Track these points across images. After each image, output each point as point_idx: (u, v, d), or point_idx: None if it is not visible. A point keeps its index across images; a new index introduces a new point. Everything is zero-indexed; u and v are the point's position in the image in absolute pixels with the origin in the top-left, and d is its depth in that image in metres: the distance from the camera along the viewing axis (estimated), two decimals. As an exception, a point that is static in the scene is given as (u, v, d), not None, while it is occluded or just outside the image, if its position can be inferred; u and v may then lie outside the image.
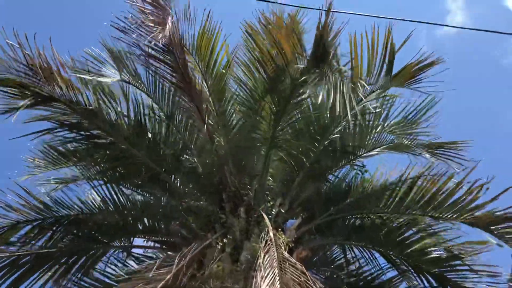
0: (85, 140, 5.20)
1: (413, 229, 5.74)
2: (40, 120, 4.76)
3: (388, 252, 5.83)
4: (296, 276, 3.90)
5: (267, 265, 3.97)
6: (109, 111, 5.04)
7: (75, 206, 5.79)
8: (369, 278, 6.21)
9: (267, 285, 3.75)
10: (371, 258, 6.14)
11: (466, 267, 5.35)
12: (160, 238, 5.88)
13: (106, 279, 5.97)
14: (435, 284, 5.66)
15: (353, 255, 6.26)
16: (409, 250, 5.69)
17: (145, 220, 6.08)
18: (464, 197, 4.98)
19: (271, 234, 4.45)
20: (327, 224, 5.89)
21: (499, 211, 4.83)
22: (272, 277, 3.85)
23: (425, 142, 5.73)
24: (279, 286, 3.73)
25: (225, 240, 4.86)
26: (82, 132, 5.11)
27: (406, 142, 5.85)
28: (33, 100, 4.44)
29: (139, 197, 6.19)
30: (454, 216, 5.07)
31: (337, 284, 6.37)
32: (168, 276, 4.30)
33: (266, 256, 4.08)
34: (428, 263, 5.61)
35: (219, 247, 4.72)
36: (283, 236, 4.71)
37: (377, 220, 5.81)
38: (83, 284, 5.89)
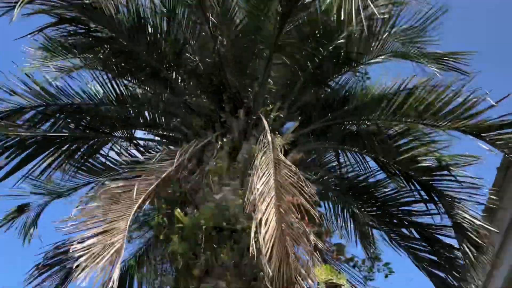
0: (85, 35, 5.12)
1: (407, 137, 5.90)
2: (39, 13, 4.66)
3: (380, 159, 6.04)
4: (289, 177, 4.13)
5: (263, 166, 4.17)
6: (108, 4, 4.89)
7: (78, 96, 5.88)
8: (358, 179, 6.56)
9: (262, 183, 3.98)
10: (362, 161, 6.43)
11: (452, 178, 5.61)
12: (161, 132, 6.05)
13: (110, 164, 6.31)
14: (420, 189, 5.99)
15: (345, 159, 6.53)
16: (401, 158, 5.88)
17: (146, 113, 6.21)
18: (460, 106, 5.05)
19: (268, 137, 4.61)
20: (323, 129, 6.04)
21: (492, 119, 4.95)
22: (268, 177, 4.07)
23: (429, 51, 5.65)
24: (273, 185, 3.97)
25: (224, 140, 5.02)
26: (81, 26, 5.02)
27: (411, 50, 5.77)
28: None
29: (139, 91, 6.24)
30: (449, 124, 5.11)
31: (328, 184, 6.72)
32: (170, 169, 4.54)
33: (263, 157, 4.27)
34: (417, 170, 5.85)
35: (218, 145, 4.88)
36: (279, 139, 4.85)
37: (373, 127, 5.92)
38: (88, 167, 6.23)
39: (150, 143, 6.20)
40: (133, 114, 6.18)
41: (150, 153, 6.31)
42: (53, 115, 5.79)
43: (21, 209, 5.97)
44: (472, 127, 4.88)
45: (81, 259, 3.02)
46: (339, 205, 6.58)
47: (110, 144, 6.09)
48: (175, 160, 4.61)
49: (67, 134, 5.72)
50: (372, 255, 5.53)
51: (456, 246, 5.55)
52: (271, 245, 3.49)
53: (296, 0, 4.86)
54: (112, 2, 4.90)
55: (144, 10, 5.22)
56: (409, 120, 5.42)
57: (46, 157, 5.69)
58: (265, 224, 3.60)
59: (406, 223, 6.03)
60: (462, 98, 4.93)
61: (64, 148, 5.76)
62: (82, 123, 5.99)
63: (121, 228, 3.55)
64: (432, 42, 5.87)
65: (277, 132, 5.19)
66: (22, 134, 5.37)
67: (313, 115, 6.07)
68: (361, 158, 6.36)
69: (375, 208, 6.32)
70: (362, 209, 6.31)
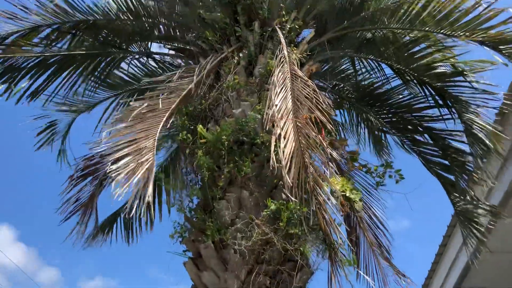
0: None
1: (423, 44, 5.86)
2: None
3: (396, 66, 6.06)
4: (306, 91, 4.26)
5: (281, 82, 4.28)
6: None
7: (92, 11, 5.86)
8: (373, 86, 6.65)
9: (280, 99, 4.13)
10: (378, 69, 6.47)
11: (467, 84, 5.65)
12: (176, 45, 6.09)
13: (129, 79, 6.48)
14: (435, 94, 6.07)
15: (361, 66, 6.57)
16: (416, 64, 5.91)
17: (160, 27, 6.21)
18: (478, 17, 4.98)
19: (285, 51, 4.65)
20: (339, 37, 6.02)
21: (510, 32, 4.91)
22: (285, 93, 4.20)
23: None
24: (290, 101, 4.12)
25: (240, 54, 5.07)
26: None
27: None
28: None
29: (151, 3, 6.16)
30: (467, 34, 5.11)
31: (343, 92, 6.84)
32: (190, 86, 4.69)
33: (280, 73, 4.36)
34: (432, 76, 5.88)
35: (235, 60, 4.95)
36: (295, 52, 4.89)
37: (389, 34, 5.87)
38: (108, 82, 6.41)
39: (167, 57, 6.27)
40: (148, 27, 6.19)
41: (168, 67, 6.47)
42: (68, 32, 5.83)
43: (50, 127, 6.27)
44: (489, 39, 4.85)
45: (118, 177, 3.30)
46: (354, 113, 6.75)
47: (128, 60, 6.17)
48: (194, 77, 4.74)
49: (85, 52, 5.80)
50: (384, 162, 5.77)
51: (467, 151, 5.75)
52: (290, 157, 3.73)
53: None
54: None
55: None
56: (427, 28, 5.37)
57: (68, 76, 5.84)
58: (284, 138, 3.81)
59: (420, 128, 6.20)
60: (481, 9, 4.81)
61: (84, 66, 5.87)
62: (99, 38, 6.04)
63: (150, 147, 3.79)
64: None
65: (292, 45, 5.22)
66: (44, 54, 5.47)
67: (329, 23, 6.02)
68: (376, 65, 6.40)
69: (389, 115, 6.48)
70: (377, 116, 6.48)
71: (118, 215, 6.87)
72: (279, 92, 4.15)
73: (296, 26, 5.27)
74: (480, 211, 5.50)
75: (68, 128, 6.49)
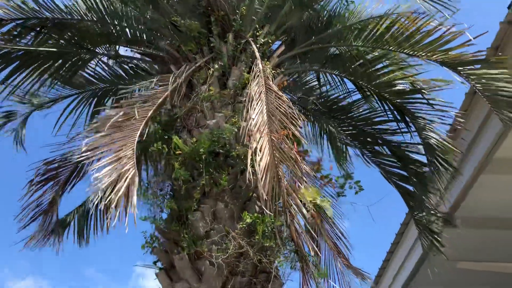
0: None
1: (385, 62, 6.17)
2: None
3: (359, 81, 6.34)
4: (280, 106, 4.40)
5: (257, 96, 4.39)
6: None
7: (59, 10, 5.69)
8: (336, 100, 6.92)
9: (256, 114, 4.24)
10: (341, 83, 6.74)
11: (424, 100, 6.01)
12: (147, 51, 6.05)
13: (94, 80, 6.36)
14: (393, 110, 6.41)
15: (326, 79, 6.82)
16: (378, 81, 6.21)
17: (130, 31, 6.13)
18: (439, 39, 5.31)
19: (260, 65, 4.77)
20: (306, 52, 6.20)
21: (468, 54, 5.27)
22: (261, 107, 4.31)
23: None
24: (266, 115, 4.24)
25: (215, 65, 5.13)
26: None
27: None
28: None
29: (119, 6, 6.07)
30: (428, 54, 5.41)
31: (307, 103, 7.04)
32: (165, 94, 4.70)
33: (256, 87, 4.47)
34: (392, 93, 6.19)
35: (210, 71, 5.00)
36: (269, 66, 5.02)
37: (354, 52, 6.14)
38: (71, 82, 6.26)
39: (135, 61, 6.21)
40: (115, 31, 6.09)
41: (136, 70, 6.41)
42: (33, 29, 5.64)
43: (8, 116, 6.06)
44: (449, 60, 5.17)
45: (103, 186, 3.28)
46: (317, 124, 6.97)
47: (95, 61, 6.07)
48: (169, 85, 4.75)
49: (50, 50, 5.64)
50: (345, 174, 6.02)
51: (424, 162, 6.11)
52: (265, 170, 3.85)
53: None
54: None
55: None
56: (390, 48, 5.66)
57: (31, 72, 5.66)
58: (260, 151, 3.93)
59: (379, 141, 6.52)
60: (442, 32, 5.14)
61: (48, 64, 5.71)
62: (65, 37, 5.87)
63: (129, 156, 3.79)
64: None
65: (265, 58, 5.35)
66: (5, 47, 5.28)
67: (297, 38, 6.19)
68: (340, 79, 6.65)
69: (350, 127, 6.75)
70: (339, 128, 6.73)
71: (73, 217, 6.72)
72: (256, 106, 4.26)
73: (269, 41, 5.39)
74: (433, 218, 5.88)
75: (26, 118, 6.27)
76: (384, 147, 6.43)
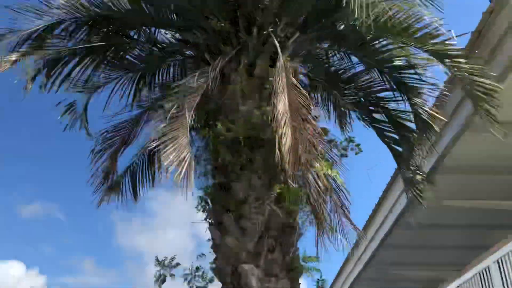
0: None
1: (386, 41, 7.18)
2: None
3: (363, 58, 7.40)
4: (300, 97, 5.55)
5: (280, 89, 5.52)
6: None
7: (107, 5, 6.64)
8: (341, 71, 8.01)
9: (281, 105, 5.41)
10: (346, 57, 7.79)
11: (417, 76, 7.11)
12: (183, 38, 7.03)
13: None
14: (391, 81, 7.53)
15: (333, 54, 7.85)
16: (378, 57, 7.28)
17: (169, 15, 7.06)
18: (429, 33, 6.32)
19: (281, 60, 5.84)
20: (318, 34, 7.20)
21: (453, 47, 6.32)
22: (284, 99, 5.47)
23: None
24: (288, 106, 5.40)
25: (243, 57, 6.18)
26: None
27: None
28: None
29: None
30: (419, 44, 6.48)
31: (318, 72, 8.13)
32: (206, 85, 5.81)
33: (279, 82, 5.59)
34: (390, 68, 7.31)
35: (241, 64, 6.06)
36: (288, 59, 6.07)
37: (359, 35, 7.12)
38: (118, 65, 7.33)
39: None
40: (155, 16, 7.02)
41: (169, 52, 7.45)
42: (86, 24, 6.64)
43: (70, 106, 7.20)
44: (436, 51, 6.22)
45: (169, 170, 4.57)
46: (325, 93, 8.11)
47: (138, 48, 7.10)
48: (209, 78, 5.85)
49: (101, 43, 6.67)
50: (348, 138, 7.27)
51: (413, 128, 7.35)
52: (289, 151, 5.11)
53: None
54: None
55: None
56: (390, 35, 6.66)
57: (88, 63, 6.74)
58: (284, 136, 5.16)
59: (378, 108, 7.71)
60: (432, 27, 6.15)
61: (101, 55, 6.77)
62: (111, 28, 6.87)
63: (185, 144, 5.02)
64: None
65: (285, 49, 6.37)
66: (73, 48, 6.34)
67: (309, 21, 7.15)
68: (345, 55, 7.70)
69: (353, 95, 7.91)
70: (343, 96, 7.89)
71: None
72: (280, 99, 5.41)
73: (287, 35, 6.39)
74: (418, 177, 7.24)
75: (86, 107, 7.43)
76: (382, 114, 7.62)
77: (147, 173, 7.76)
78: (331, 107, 8.18)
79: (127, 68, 7.39)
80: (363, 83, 7.81)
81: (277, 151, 5.09)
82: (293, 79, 5.68)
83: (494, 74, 6.29)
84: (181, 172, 4.65)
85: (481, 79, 5.74)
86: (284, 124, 5.21)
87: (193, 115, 5.60)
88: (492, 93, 5.74)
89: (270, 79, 5.92)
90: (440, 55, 6.29)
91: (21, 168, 30.03)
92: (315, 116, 7.69)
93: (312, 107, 5.51)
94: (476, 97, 5.79)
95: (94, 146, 7.01)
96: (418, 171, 7.23)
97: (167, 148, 4.88)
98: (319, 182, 5.26)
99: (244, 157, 5.44)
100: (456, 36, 6.04)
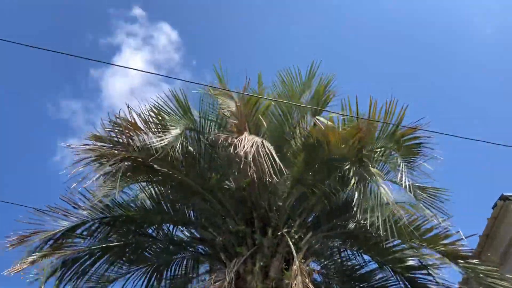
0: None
1: (396, 240, 7.35)
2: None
3: (375, 257, 7.49)
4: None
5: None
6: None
7: (129, 206, 7.07)
8: (355, 268, 8.00)
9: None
10: (359, 255, 7.88)
11: (431, 278, 7.10)
12: (200, 236, 7.29)
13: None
14: (405, 280, 7.46)
15: (346, 253, 7.98)
16: (390, 257, 7.37)
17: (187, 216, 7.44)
18: (439, 235, 6.55)
19: (297, 262, 5.94)
20: (329, 233, 7.44)
21: (464, 248, 6.48)
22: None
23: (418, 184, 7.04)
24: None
25: (257, 258, 6.30)
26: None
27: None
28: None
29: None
30: (431, 245, 6.66)
31: (332, 269, 8.13)
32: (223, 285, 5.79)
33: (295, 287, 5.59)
34: (403, 268, 7.34)
35: (257, 266, 6.16)
36: (303, 261, 6.17)
37: (370, 234, 7.36)
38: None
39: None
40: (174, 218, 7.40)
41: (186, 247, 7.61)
42: (108, 224, 6.97)
43: None
44: (447, 252, 6.36)
45: None
46: (339, 290, 7.99)
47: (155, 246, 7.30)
48: (225, 279, 5.87)
49: (120, 243, 6.91)
50: None
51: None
52: None
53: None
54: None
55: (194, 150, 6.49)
56: (401, 236, 6.87)
57: (105, 260, 6.87)
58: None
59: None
60: (440, 229, 6.41)
61: (119, 253, 6.94)
62: (131, 228, 7.17)
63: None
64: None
65: (299, 248, 6.53)
66: (90, 248, 6.55)
67: (321, 221, 7.46)
68: (358, 253, 7.81)
69: (369, 294, 7.76)
70: (359, 295, 7.74)
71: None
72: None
73: (302, 236, 6.63)
74: None
75: None
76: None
77: None
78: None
79: (143, 262, 7.46)
80: (377, 281, 7.74)
81: None
82: (309, 283, 5.68)
83: (510, 276, 6.31)
84: None
85: (500, 281, 5.76)
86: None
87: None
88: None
89: (286, 281, 5.93)
90: (453, 256, 6.40)
91: None
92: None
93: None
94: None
95: None
96: None
97: None
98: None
99: None
100: (466, 237, 6.23)
